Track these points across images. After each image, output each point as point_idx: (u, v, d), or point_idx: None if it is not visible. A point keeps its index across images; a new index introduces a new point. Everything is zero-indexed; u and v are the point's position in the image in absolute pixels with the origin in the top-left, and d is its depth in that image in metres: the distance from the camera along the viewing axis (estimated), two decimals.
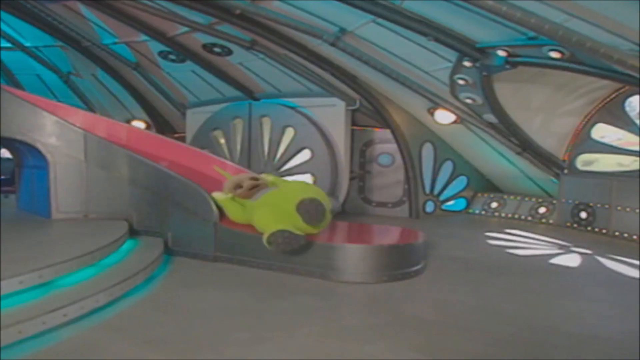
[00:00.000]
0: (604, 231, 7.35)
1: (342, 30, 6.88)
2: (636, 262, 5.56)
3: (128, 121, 11.52)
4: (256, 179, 5.38)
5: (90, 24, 9.04)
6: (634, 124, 7.20)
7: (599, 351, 3.06)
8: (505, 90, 6.93)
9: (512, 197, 9.27)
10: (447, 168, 9.39)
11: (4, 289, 3.14)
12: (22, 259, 3.68)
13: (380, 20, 6.10)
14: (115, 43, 9.49)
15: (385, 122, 8.83)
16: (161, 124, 11.92)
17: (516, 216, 8.88)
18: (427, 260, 5.18)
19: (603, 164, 8.09)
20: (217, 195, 5.28)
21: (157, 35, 8.68)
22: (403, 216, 9.04)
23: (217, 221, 5.12)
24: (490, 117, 7.62)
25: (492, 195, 9.57)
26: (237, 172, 6.74)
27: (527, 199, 8.98)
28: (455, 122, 8.28)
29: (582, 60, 5.42)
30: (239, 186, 5.25)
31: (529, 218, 8.68)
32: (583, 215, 7.71)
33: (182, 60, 9.43)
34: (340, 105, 8.87)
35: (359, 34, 6.87)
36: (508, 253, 6.04)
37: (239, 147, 9.71)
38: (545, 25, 4.62)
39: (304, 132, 8.86)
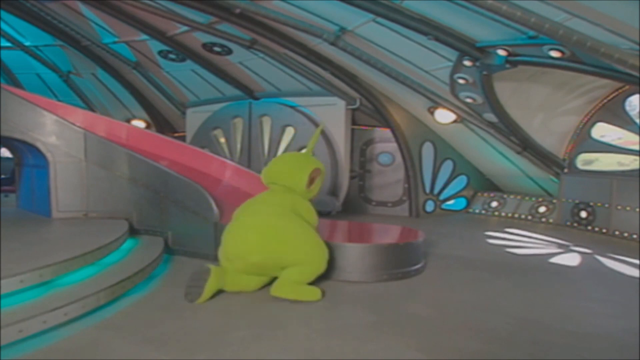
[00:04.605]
0: (603, 230, 7.34)
1: (342, 29, 6.88)
2: (636, 261, 5.56)
3: (128, 120, 11.53)
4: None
5: (90, 23, 9.04)
6: (634, 123, 7.21)
7: (599, 349, 3.06)
8: (506, 90, 6.93)
9: (512, 196, 9.27)
10: (447, 167, 9.39)
11: (4, 287, 3.14)
12: (22, 257, 3.68)
13: (380, 19, 6.10)
14: (115, 42, 9.49)
15: (386, 122, 8.83)
16: (161, 123, 11.93)
17: (516, 215, 8.89)
18: (427, 259, 5.18)
19: (603, 163, 8.10)
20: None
21: (157, 34, 8.69)
22: (403, 215, 9.04)
23: (217, 220, 5.11)
24: (491, 116, 7.62)
25: (492, 195, 9.57)
26: (237, 171, 6.75)
27: (527, 198, 8.98)
28: (455, 121, 8.28)
29: (583, 59, 5.42)
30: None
31: (529, 217, 8.68)
32: (583, 214, 7.71)
33: (182, 60, 9.43)
34: (340, 105, 8.88)
35: (359, 33, 6.87)
36: (508, 252, 6.04)
37: (239, 146, 9.71)
38: (545, 24, 4.63)
39: (304, 131, 8.86)
